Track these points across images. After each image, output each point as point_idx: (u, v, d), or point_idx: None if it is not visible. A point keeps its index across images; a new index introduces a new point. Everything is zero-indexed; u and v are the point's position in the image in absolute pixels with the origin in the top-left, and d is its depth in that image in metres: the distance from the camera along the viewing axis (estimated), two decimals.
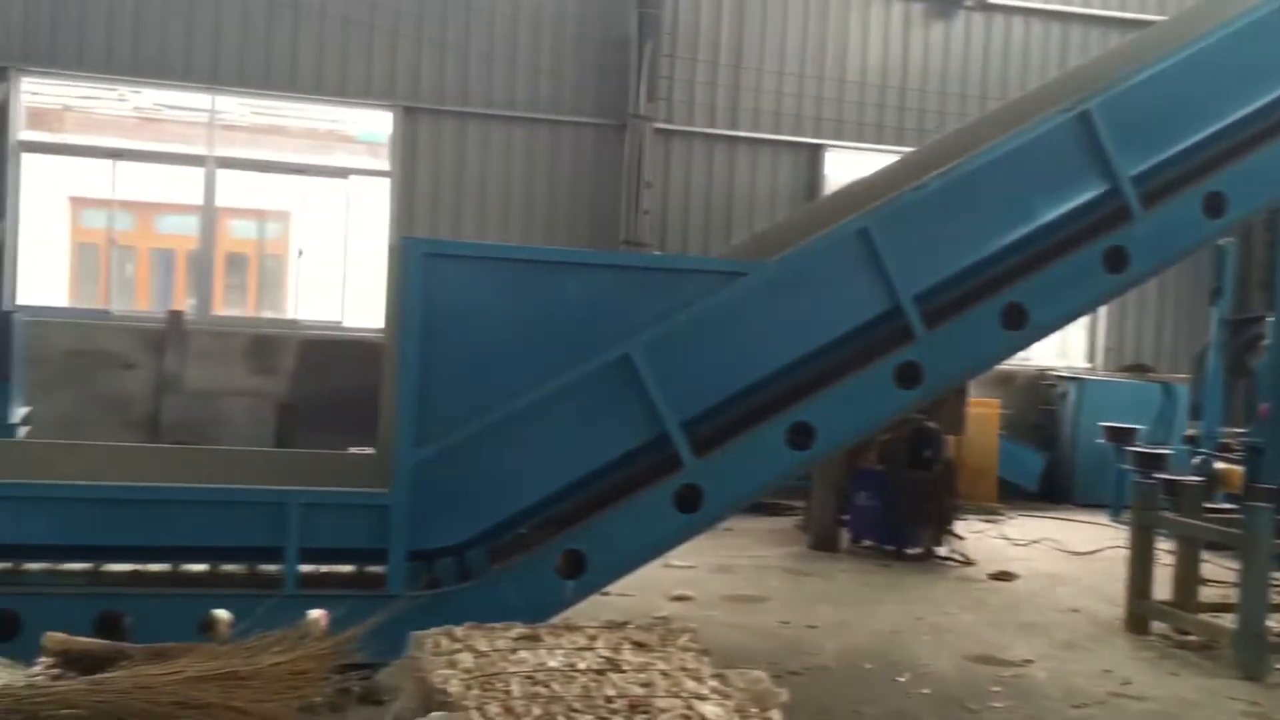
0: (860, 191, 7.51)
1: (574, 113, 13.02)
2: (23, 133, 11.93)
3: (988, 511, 12.39)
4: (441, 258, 6.04)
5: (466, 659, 3.92)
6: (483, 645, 4.09)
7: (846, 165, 13.59)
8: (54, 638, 3.69)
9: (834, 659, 6.71)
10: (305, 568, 5.96)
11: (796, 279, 6.28)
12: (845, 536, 10.37)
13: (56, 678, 3.46)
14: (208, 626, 5.85)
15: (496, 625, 4.30)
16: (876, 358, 6.38)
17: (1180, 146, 6.69)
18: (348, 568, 6.19)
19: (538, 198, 12.99)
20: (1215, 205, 6.66)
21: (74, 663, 3.52)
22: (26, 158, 11.99)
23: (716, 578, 8.77)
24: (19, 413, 8.94)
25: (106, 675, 3.30)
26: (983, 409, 12.59)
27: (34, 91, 12.13)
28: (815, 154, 13.72)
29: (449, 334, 5.95)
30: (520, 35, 12.85)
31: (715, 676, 3.93)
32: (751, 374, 6.27)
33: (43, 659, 3.65)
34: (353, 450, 7.71)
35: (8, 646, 4.46)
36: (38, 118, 12.32)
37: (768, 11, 13.49)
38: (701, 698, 3.70)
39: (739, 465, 6.27)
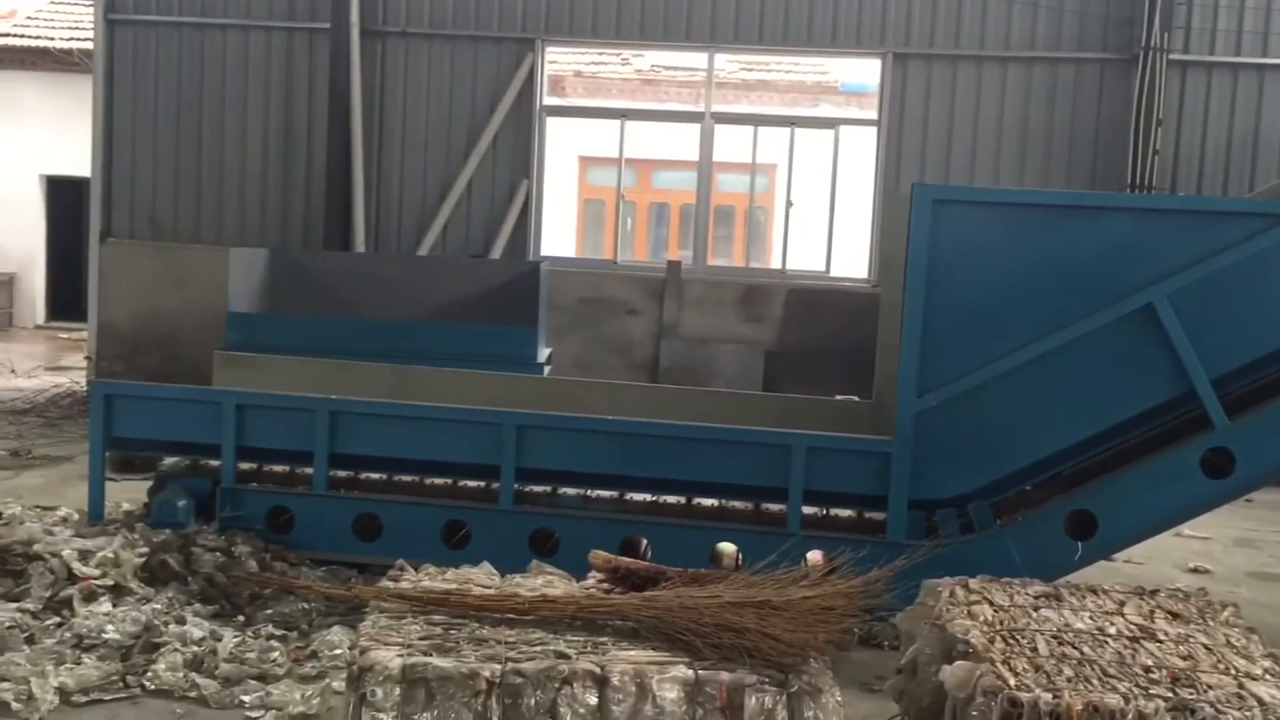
0: None
1: (1076, 48, 12.19)
2: (545, 98, 13.10)
3: None
4: (950, 204, 5.93)
5: (985, 611, 3.84)
6: (1001, 599, 3.99)
7: None
8: (599, 555, 4.05)
9: None
10: (807, 509, 6.14)
11: None
12: None
13: (608, 591, 3.80)
14: (715, 557, 6.23)
15: (1014, 581, 4.18)
16: None
17: None
18: (847, 512, 6.31)
19: (1032, 142, 12.34)
20: None
21: (622, 579, 3.85)
22: (549, 121, 13.17)
23: (1237, 552, 8.00)
24: (544, 353, 9.90)
25: (654, 593, 3.57)
26: None
27: (552, 60, 13.27)
28: None
29: (955, 281, 5.85)
30: None
31: (1268, 656, 3.58)
32: None
33: (592, 574, 4.02)
34: (839, 398, 7.81)
35: (549, 561, 4.98)
36: (553, 84, 13.48)
37: None
38: (1254, 678, 3.38)
39: (1279, 430, 5.66)
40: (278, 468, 6.67)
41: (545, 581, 3.96)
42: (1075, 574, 5.60)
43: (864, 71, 12.97)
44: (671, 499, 6.43)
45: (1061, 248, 5.82)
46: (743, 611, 3.34)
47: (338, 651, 5.00)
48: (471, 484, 6.49)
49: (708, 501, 6.43)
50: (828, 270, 12.91)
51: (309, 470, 6.46)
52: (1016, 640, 3.60)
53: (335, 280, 10.31)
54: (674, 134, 13.80)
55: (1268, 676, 3.39)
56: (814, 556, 5.69)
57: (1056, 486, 6.13)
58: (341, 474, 6.54)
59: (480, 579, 3.94)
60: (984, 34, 12.33)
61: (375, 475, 6.58)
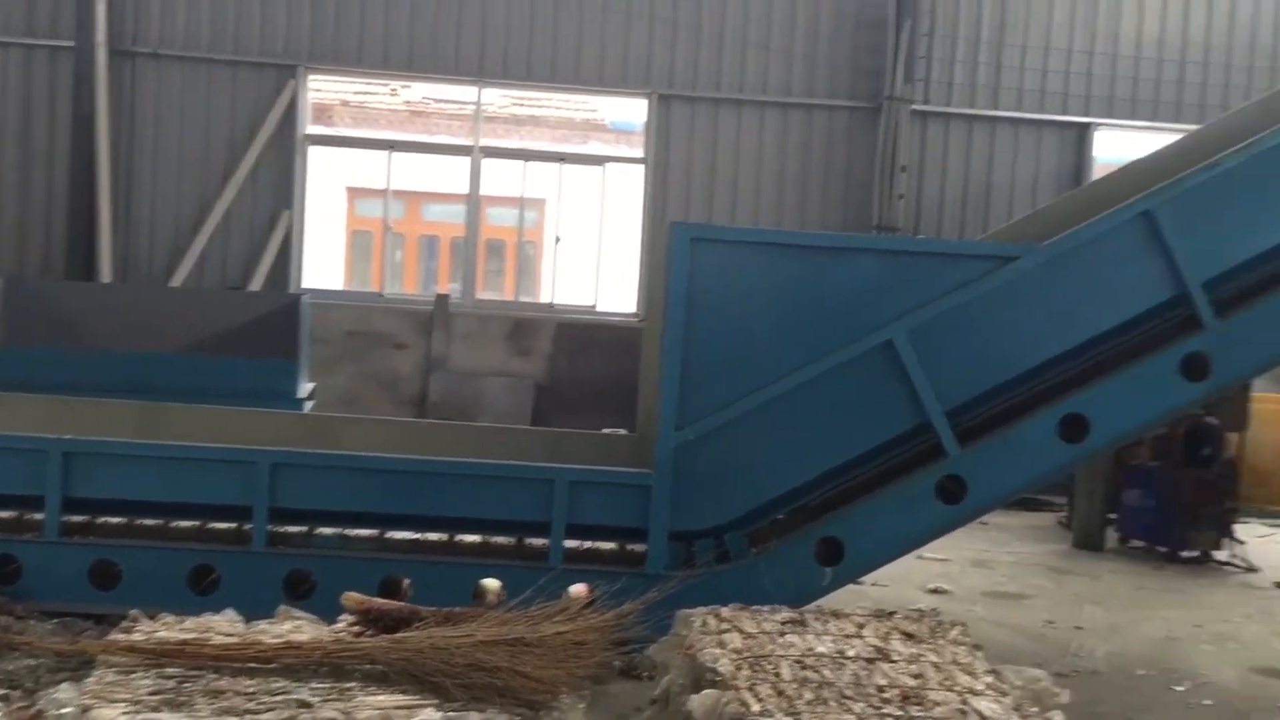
0: (1139, 173, 7.08)
1: (827, 96, 12.86)
2: (308, 127, 12.78)
3: (1273, 515, 11.49)
4: (707, 242, 6.08)
5: (735, 639, 3.95)
6: (750, 626, 4.11)
7: (1117, 146, 12.86)
8: (352, 597, 3.94)
9: (1105, 663, 6.40)
10: (569, 543, 6.16)
11: (1071, 264, 6.00)
12: (1112, 535, 9.86)
13: (358, 635, 3.70)
14: (479, 594, 6.15)
15: (763, 608, 4.31)
16: (1159, 348, 6.03)
17: None
18: (609, 545, 6.36)
19: (789, 183, 12.92)
20: None
21: (373, 621, 3.76)
22: (311, 150, 12.85)
23: (974, 572, 8.51)
24: (306, 388, 9.60)
25: (405, 634, 3.50)
26: (1269, 405, 11.67)
27: (316, 89, 12.97)
28: (1083, 134, 13.06)
29: (712, 317, 6.00)
30: (774, 19, 12.79)
31: (989, 672, 3.81)
32: (1020, 363, 6.04)
33: (343, 617, 3.91)
34: (608, 431, 7.90)
35: (304, 605, 4.81)
36: (318, 113, 13.17)
37: None
38: (976, 693, 3.60)
39: (1006, 457, 6.06)
40: (4, 514, 6.18)
41: (293, 627, 3.82)
42: (827, 597, 5.83)
43: (631, 110, 13.26)
44: (434, 536, 6.33)
45: (811, 286, 6.08)
46: (495, 650, 3.32)
47: (66, 710, 4.65)
48: (222, 526, 6.20)
49: (471, 537, 6.36)
50: (596, 305, 13.08)
51: (40, 516, 6.02)
52: (762, 666, 3.71)
53: (78, 311, 9.69)
54: (444, 167, 13.71)
55: (989, 691, 3.61)
56: (577, 590, 5.69)
57: (808, 515, 6.36)
58: (78, 519, 6.13)
59: (222, 627, 3.77)
60: (743, 79, 12.84)
61: (115, 519, 6.20)
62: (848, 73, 12.83)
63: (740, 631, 4.04)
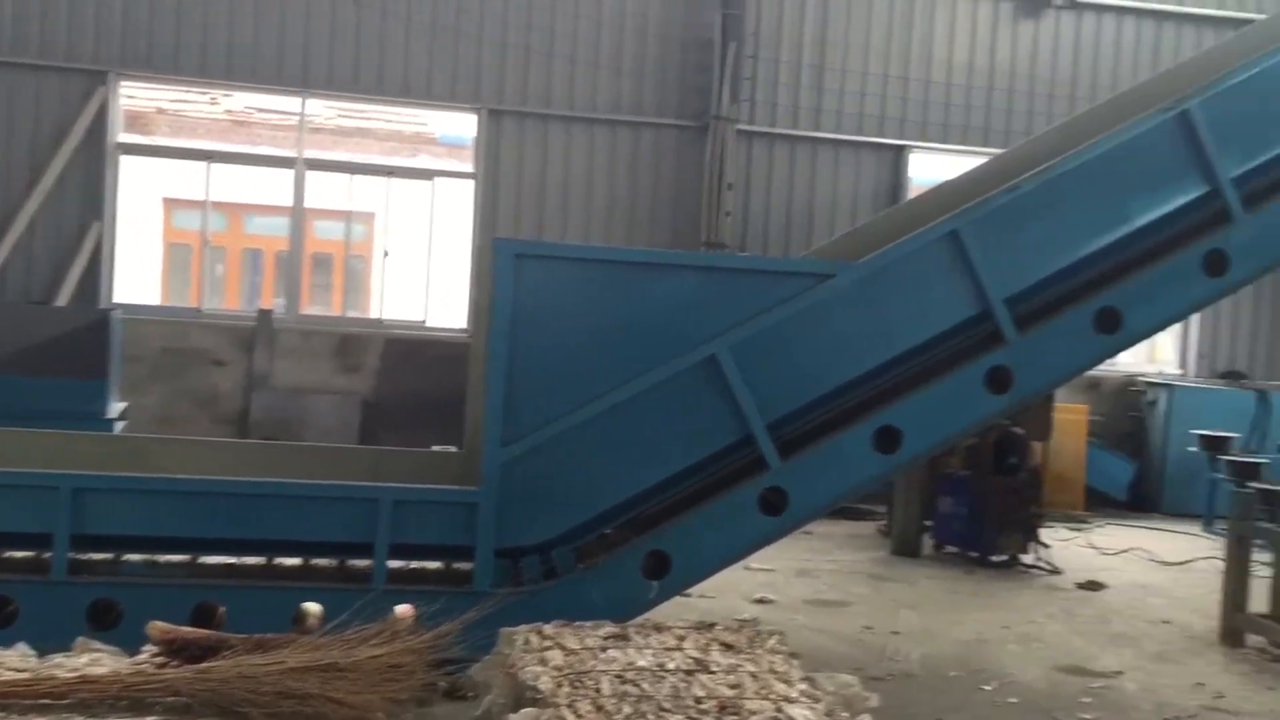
0: (949, 193, 7.41)
1: (656, 114, 13.03)
2: (120, 135, 12.25)
3: (1075, 520, 12.16)
4: (531, 258, 6.09)
5: (556, 656, 3.95)
6: (572, 643, 4.11)
7: (931, 167, 13.41)
8: (157, 626, 3.79)
9: (919, 666, 6.64)
10: (393, 563, 6.05)
11: (884, 281, 6.24)
12: (928, 542, 10.25)
13: (162, 665, 3.55)
14: (299, 619, 5.98)
15: (585, 623, 4.32)
16: (965, 362, 6.31)
17: None
18: (435, 564, 6.28)
19: (619, 199, 13.04)
20: None
21: (178, 652, 3.61)
22: (123, 160, 12.31)
23: (798, 581, 8.72)
24: (116, 408, 9.18)
25: (211, 664, 3.38)
26: (1070, 415, 12.36)
27: (130, 95, 12.45)
28: (899, 155, 13.57)
29: (537, 334, 6.01)
30: (603, 38, 12.90)
31: (804, 680, 3.91)
32: (838, 377, 6.24)
33: (147, 647, 3.75)
34: (437, 448, 7.80)
35: (110, 635, 4.59)
36: (132, 120, 12.65)
37: (851, 12, 13.38)
38: (790, 700, 3.69)
39: (825, 468, 6.24)
40: None
41: (90, 660, 3.65)
42: (656, 611, 5.88)
43: (462, 124, 13.16)
44: (252, 560, 6.13)
45: (636, 302, 6.15)
46: (307, 676, 3.24)
47: None
48: (19, 555, 5.87)
49: (292, 561, 6.19)
50: (426, 320, 12.91)
51: None
52: (583, 683, 3.72)
53: None
54: (267, 178, 13.33)
55: (802, 699, 3.71)
56: (403, 610, 5.61)
57: (635, 529, 6.41)
58: None
59: (12, 662, 3.56)
60: (573, 96, 12.90)
61: None
62: (676, 92, 13.04)
63: (562, 648, 4.05)
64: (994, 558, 9.78)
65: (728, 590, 7.87)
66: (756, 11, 13.04)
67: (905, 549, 10.07)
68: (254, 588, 5.95)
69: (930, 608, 8.12)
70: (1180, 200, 6.42)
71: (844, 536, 10.72)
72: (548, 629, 4.21)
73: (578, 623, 4.32)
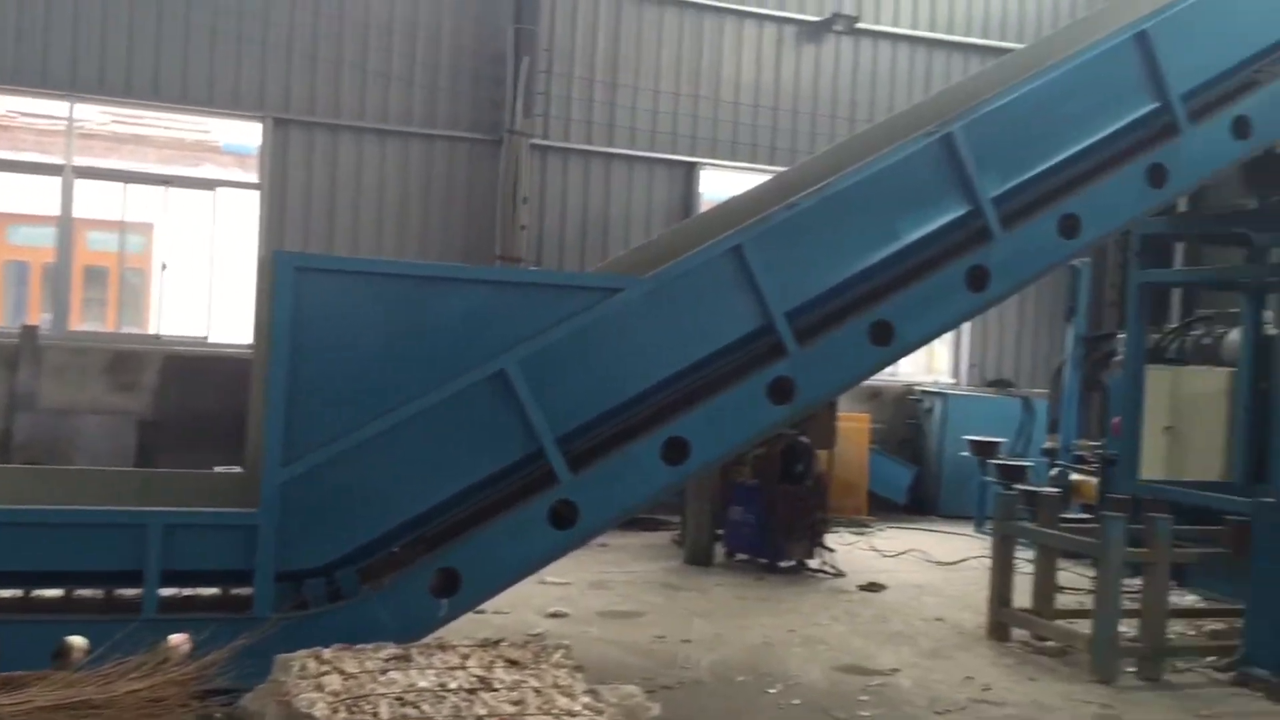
0: (735, 209, 7.61)
1: (448, 127, 12.92)
2: None
3: (858, 524, 12.67)
4: (313, 271, 5.92)
5: (334, 681, 3.84)
6: (351, 667, 4.01)
7: (721, 183, 13.76)
8: None
9: (708, 672, 6.77)
10: (167, 591, 5.77)
11: (671, 295, 6.33)
12: (720, 551, 10.47)
13: None
14: (61, 654, 5.62)
15: (367, 646, 4.23)
16: (749, 373, 6.48)
17: (1037, 170, 6.95)
18: (212, 591, 6.02)
19: (411, 212, 12.86)
20: (1070, 227, 6.92)
21: None
22: None
23: (592, 594, 8.76)
24: None
25: None
26: (853, 423, 12.87)
27: None
28: (690, 172, 13.87)
29: (320, 349, 5.84)
30: (394, 48, 12.70)
31: (588, 693, 3.93)
32: (627, 390, 6.29)
33: None
34: (219, 469, 7.49)
35: None
36: None
37: (643, 30, 13.61)
38: (574, 714, 3.69)
39: (614, 481, 6.27)
40: None
41: None
42: (448, 628, 5.78)
43: (247, 133, 12.72)
44: (7, 593, 5.73)
45: (423, 316, 6.05)
46: (57, 715, 3.04)
47: None
48: None
49: (53, 592, 5.82)
50: (209, 336, 12.40)
51: None
52: (361, 707, 3.63)
53: None
54: (33, 186, 12.54)
55: (585, 712, 3.72)
56: (176, 640, 5.36)
57: (424, 546, 6.30)
58: None
59: None
60: (364, 106, 12.67)
61: None
62: (469, 105, 12.96)
63: (341, 672, 3.94)
64: (782, 563, 10.07)
65: (521, 605, 7.84)
66: (550, 27, 13.10)
67: (698, 558, 10.26)
68: (8, 622, 5.56)
69: (721, 615, 8.29)
70: (946, 218, 6.75)
71: (640, 547, 10.84)
72: (326, 653, 4.09)
73: (359, 645, 4.21)
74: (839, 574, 9.91)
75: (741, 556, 10.39)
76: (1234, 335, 10.02)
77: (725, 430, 6.44)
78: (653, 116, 13.64)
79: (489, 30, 12.91)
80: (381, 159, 12.74)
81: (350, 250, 12.38)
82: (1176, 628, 7.93)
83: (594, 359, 6.26)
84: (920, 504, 14.04)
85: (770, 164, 13.35)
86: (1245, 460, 9.46)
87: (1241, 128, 7.26)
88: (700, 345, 6.41)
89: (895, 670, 6.99)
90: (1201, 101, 7.31)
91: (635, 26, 13.58)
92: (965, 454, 13.06)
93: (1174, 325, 11.54)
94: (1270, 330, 9.69)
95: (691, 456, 6.32)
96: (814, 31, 14.30)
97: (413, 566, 6.03)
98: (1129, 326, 10.34)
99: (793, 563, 10.09)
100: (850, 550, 11.09)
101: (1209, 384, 10.03)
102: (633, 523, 10.99)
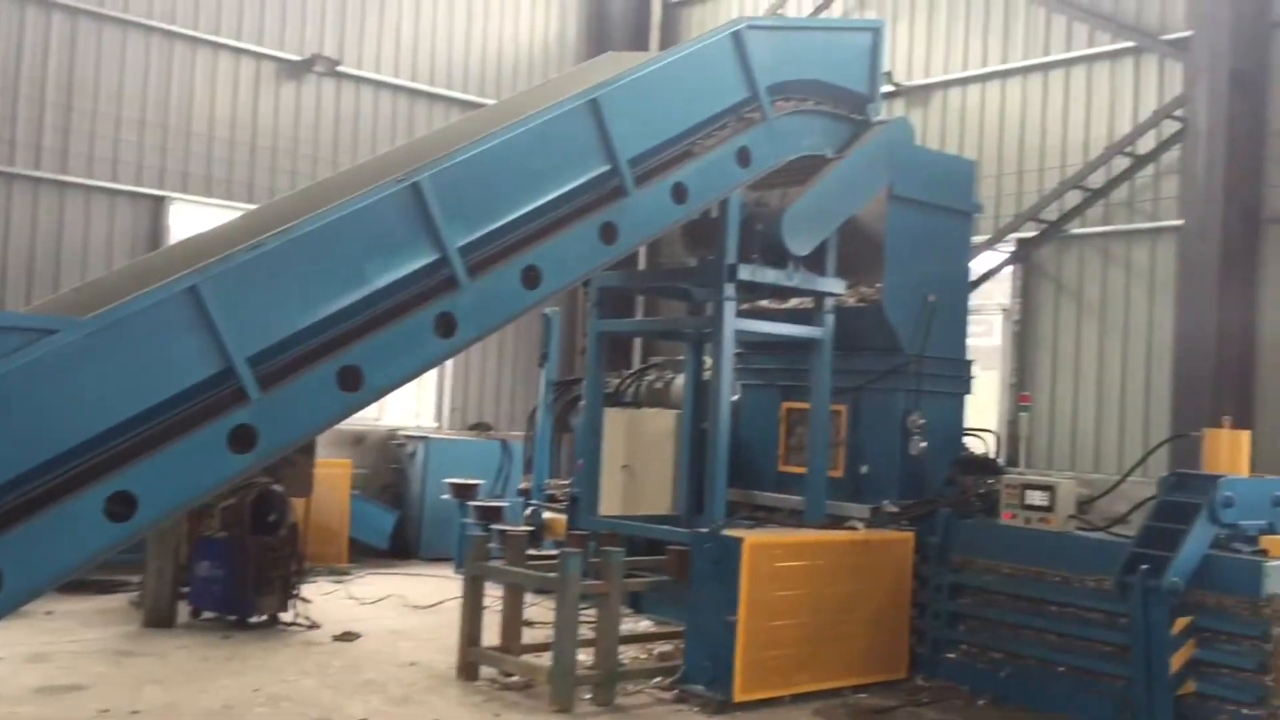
0: (197, 247, 7.21)
1: None
2: None
3: (338, 572, 12.42)
4: None
5: None
6: None
7: (197, 219, 13.03)
8: None
9: None
10: None
11: (118, 337, 5.85)
12: (186, 610, 9.79)
13: None
14: None
15: None
16: (207, 421, 6.12)
17: (502, 221, 7.24)
18: None
19: None
20: (532, 278, 7.26)
21: None
22: None
23: (28, 669, 7.83)
24: None
25: None
26: (333, 469, 12.64)
27: None
28: (159, 205, 13.02)
29: None
30: None
31: None
32: (70, 439, 5.71)
33: None
34: None
35: None
36: None
37: (102, 55, 12.60)
38: None
39: (50, 541, 5.65)
40: None
41: None
42: None
43: None
44: None
45: None
46: None
47: None
48: None
49: None
50: None
51: None
52: None
53: None
54: None
55: None
56: None
57: None
58: None
59: None
60: None
61: None
62: None
63: None
64: (253, 619, 9.62)
65: None
66: None
67: (159, 619, 9.52)
68: None
69: (178, 680, 7.74)
70: (415, 265, 6.81)
71: (91, 613, 9.86)
72: None
73: None
74: (313, 625, 9.63)
75: (209, 615, 9.78)
76: (680, 380, 11.03)
77: (179, 482, 6.01)
78: (115, 145, 12.67)
79: None
80: None
81: None
82: (631, 653, 8.53)
83: (27, 406, 5.63)
84: (403, 548, 14.04)
85: (249, 201, 12.90)
86: (688, 494, 10.39)
87: (680, 193, 8.03)
88: (152, 392, 5.97)
89: None
90: (647, 166, 8.00)
91: (93, 50, 12.56)
92: (446, 497, 13.26)
93: (632, 371, 12.49)
94: (708, 375, 10.76)
95: (140, 511, 5.81)
96: (294, 70, 14.03)
97: None
98: (588, 372, 10.97)
99: (264, 618, 9.66)
100: (329, 600, 10.84)
101: (659, 425, 10.94)
102: (83, 585, 10.02)
